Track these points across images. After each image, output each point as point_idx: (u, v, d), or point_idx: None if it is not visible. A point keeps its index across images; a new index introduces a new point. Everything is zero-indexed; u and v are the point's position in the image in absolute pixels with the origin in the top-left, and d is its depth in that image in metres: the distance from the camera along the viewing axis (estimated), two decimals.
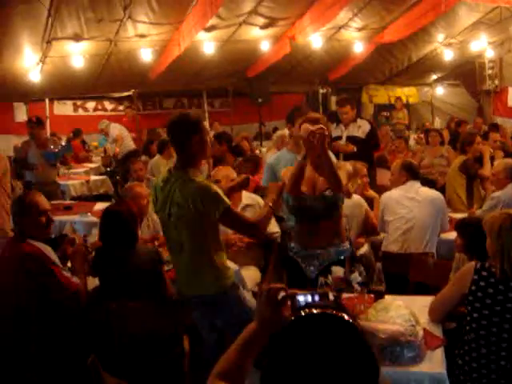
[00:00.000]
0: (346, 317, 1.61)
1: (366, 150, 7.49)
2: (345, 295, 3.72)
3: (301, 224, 4.33)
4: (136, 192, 5.49)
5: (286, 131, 11.52)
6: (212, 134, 11.23)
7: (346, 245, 4.35)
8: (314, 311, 1.65)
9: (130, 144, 12.67)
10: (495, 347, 3.24)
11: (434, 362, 3.09)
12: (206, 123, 15.66)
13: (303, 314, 1.66)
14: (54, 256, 4.22)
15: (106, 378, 3.23)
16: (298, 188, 4.19)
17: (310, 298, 1.86)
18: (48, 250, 4.20)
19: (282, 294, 1.93)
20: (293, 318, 1.68)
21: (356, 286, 3.77)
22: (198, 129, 3.73)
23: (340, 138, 7.57)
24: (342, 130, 7.69)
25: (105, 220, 4.48)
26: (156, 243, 5.22)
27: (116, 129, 12.73)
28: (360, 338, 1.58)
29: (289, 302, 1.91)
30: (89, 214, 7.31)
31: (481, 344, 3.27)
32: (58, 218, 6.95)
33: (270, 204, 3.93)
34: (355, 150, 7.30)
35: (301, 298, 1.87)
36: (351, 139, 7.56)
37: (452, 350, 3.38)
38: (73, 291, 4.14)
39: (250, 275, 5.12)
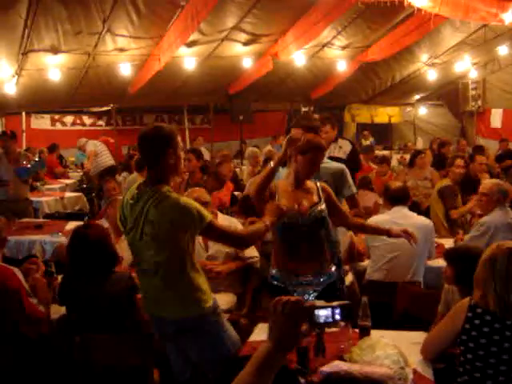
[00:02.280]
0: None
1: None
2: (327, 330, 3.45)
3: (284, 247, 4.07)
4: None
5: (268, 147, 11.35)
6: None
7: (332, 266, 4.12)
8: None
9: (106, 160, 12.41)
10: None
11: None
12: (187, 139, 15.45)
13: None
14: (23, 280, 4.03)
15: None
16: (262, 194, 3.99)
17: (330, 313, 1.70)
18: (17, 272, 4.03)
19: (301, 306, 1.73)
20: None
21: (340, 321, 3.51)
22: (171, 142, 3.47)
23: None
24: None
25: (73, 244, 4.14)
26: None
27: (91, 145, 12.48)
28: None
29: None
30: (60, 233, 7.00)
31: None
32: (27, 238, 6.82)
33: (268, 223, 3.66)
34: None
35: (320, 313, 1.70)
36: (331, 160, 7.32)
37: None
38: (35, 319, 3.92)
39: (223, 300, 4.80)
